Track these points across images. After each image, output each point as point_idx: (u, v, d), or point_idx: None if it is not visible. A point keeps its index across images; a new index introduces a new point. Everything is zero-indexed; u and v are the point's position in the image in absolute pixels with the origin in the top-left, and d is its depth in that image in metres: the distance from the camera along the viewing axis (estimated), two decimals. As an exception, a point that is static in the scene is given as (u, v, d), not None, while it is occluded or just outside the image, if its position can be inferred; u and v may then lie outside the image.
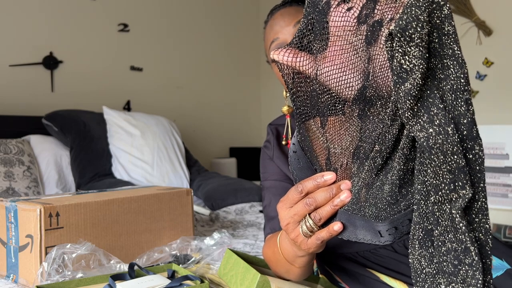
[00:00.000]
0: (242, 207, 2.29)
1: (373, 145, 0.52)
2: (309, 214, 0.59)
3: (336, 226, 0.57)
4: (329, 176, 0.58)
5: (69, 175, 2.49)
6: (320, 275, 1.01)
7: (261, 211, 2.23)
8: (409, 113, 0.44)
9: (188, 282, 0.94)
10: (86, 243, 1.06)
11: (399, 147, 0.49)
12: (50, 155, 2.47)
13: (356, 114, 0.53)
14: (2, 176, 2.15)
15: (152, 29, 3.49)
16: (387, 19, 0.46)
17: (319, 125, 0.57)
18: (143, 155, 2.61)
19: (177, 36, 3.66)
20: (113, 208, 1.21)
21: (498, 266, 0.91)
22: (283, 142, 1.00)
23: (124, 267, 1.05)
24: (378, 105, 0.50)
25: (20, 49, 2.80)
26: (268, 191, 1.00)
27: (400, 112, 0.45)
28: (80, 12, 3.08)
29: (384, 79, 0.48)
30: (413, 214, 0.48)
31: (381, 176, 0.53)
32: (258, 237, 1.66)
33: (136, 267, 1.01)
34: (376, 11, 0.47)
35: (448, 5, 0.43)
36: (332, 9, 0.51)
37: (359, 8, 0.49)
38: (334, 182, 0.58)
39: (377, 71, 0.48)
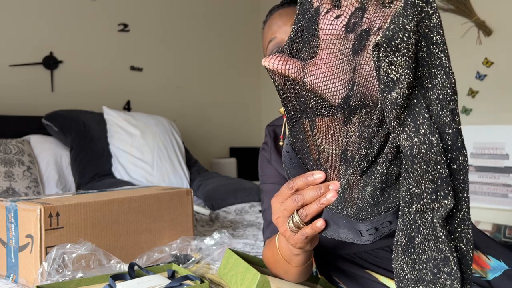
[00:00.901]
0: (242, 207, 2.29)
1: (359, 149, 0.52)
2: (297, 210, 0.61)
3: (319, 223, 0.59)
4: (318, 175, 0.59)
5: (69, 175, 2.49)
6: (320, 276, 1.01)
7: (261, 211, 2.23)
8: (395, 122, 0.44)
9: (188, 282, 0.94)
10: (86, 243, 1.06)
11: (383, 152, 0.49)
12: (50, 155, 2.47)
13: (341, 121, 0.53)
14: (2, 176, 2.15)
15: (152, 29, 3.49)
16: (375, 28, 0.46)
17: (308, 128, 0.58)
18: (143, 155, 2.61)
19: (177, 36, 3.66)
20: (113, 208, 1.21)
21: (496, 267, 0.91)
22: (280, 143, 1.01)
23: (124, 267, 1.05)
24: (364, 112, 0.51)
25: (20, 49, 2.80)
26: (266, 195, 1.00)
27: (386, 120, 0.45)
28: (80, 12, 3.08)
29: (370, 88, 0.48)
30: (398, 220, 0.48)
31: (365, 178, 0.53)
32: (258, 237, 1.66)
33: (136, 267, 1.01)
34: (364, 19, 0.47)
35: (437, 14, 0.43)
36: (321, 16, 0.51)
37: (348, 17, 0.49)
38: (325, 181, 0.59)
39: (362, 81, 0.48)
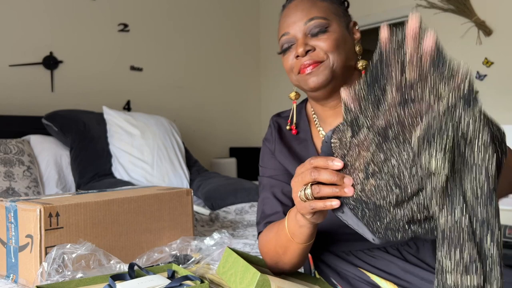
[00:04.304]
0: (242, 207, 2.29)
1: (388, 181, 0.59)
2: (312, 184, 0.68)
3: (334, 202, 0.67)
4: (338, 163, 0.66)
5: (69, 175, 2.49)
6: (318, 276, 1.01)
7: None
8: (433, 204, 0.53)
9: (188, 282, 0.94)
10: (86, 243, 1.06)
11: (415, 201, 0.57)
12: (50, 155, 2.48)
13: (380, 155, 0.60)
14: (2, 176, 2.15)
15: (152, 29, 3.49)
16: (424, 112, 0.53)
17: (348, 144, 0.65)
18: (143, 155, 2.61)
19: (177, 36, 3.66)
20: (113, 208, 1.21)
21: None
22: (287, 127, 1.02)
23: (124, 267, 1.05)
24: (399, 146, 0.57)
25: (20, 49, 2.80)
26: (264, 188, 1.01)
27: (426, 202, 0.54)
28: (80, 12, 3.09)
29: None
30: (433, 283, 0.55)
31: (392, 210, 0.60)
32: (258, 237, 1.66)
33: (136, 267, 1.01)
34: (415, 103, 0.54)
35: (480, 119, 0.51)
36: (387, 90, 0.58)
37: (403, 89, 0.56)
38: (341, 171, 0.66)
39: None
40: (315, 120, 1.00)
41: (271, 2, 4.26)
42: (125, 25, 3.33)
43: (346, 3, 0.99)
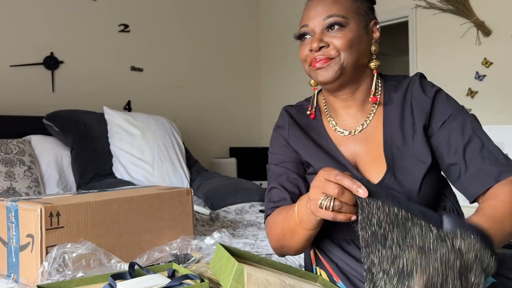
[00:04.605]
0: (242, 207, 2.30)
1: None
2: (335, 198, 0.74)
3: (354, 217, 0.75)
4: (362, 191, 0.72)
5: (69, 175, 2.49)
6: (319, 270, 1.02)
7: (261, 211, 2.23)
8: None
9: (188, 281, 0.95)
10: (87, 243, 1.07)
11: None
12: (51, 155, 2.48)
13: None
14: (3, 176, 2.15)
15: (152, 29, 3.50)
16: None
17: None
18: (144, 155, 2.62)
19: (177, 37, 3.67)
20: (113, 208, 1.21)
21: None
22: (307, 112, 1.06)
23: (125, 267, 1.05)
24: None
25: (21, 49, 2.81)
26: (273, 176, 1.05)
27: None
28: (81, 12, 3.09)
29: None
30: None
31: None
32: (258, 237, 1.66)
33: (136, 267, 1.01)
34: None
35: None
36: None
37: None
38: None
39: None
40: (326, 111, 1.05)
41: (271, 2, 4.26)
42: (126, 26, 3.33)
43: (371, 1, 1.02)
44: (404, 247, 0.65)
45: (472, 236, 0.60)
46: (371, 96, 0.98)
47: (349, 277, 0.93)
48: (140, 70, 3.43)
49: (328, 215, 0.75)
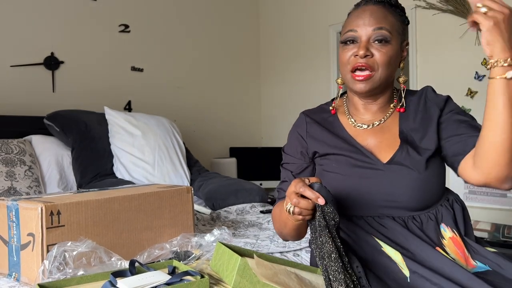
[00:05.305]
0: (243, 207, 2.30)
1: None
2: (295, 206, 0.91)
3: (308, 216, 0.93)
4: (322, 201, 0.87)
5: (70, 175, 2.50)
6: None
7: (261, 212, 2.23)
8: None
9: (188, 277, 0.95)
10: (87, 241, 1.07)
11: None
12: (52, 155, 2.48)
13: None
14: (3, 176, 2.16)
15: (152, 29, 3.50)
16: None
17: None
18: (144, 155, 2.62)
19: (178, 37, 3.67)
20: (114, 206, 1.22)
21: (482, 266, 0.98)
22: (330, 107, 1.18)
23: (125, 264, 1.05)
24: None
25: (21, 49, 2.81)
26: (285, 170, 1.18)
27: None
28: (81, 12, 3.10)
29: None
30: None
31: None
32: (259, 237, 1.66)
33: (136, 264, 1.02)
34: None
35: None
36: None
37: None
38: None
39: None
40: (345, 108, 1.17)
41: (271, 3, 4.27)
42: (126, 26, 3.34)
43: (407, 23, 1.12)
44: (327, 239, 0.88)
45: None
46: (398, 106, 1.11)
47: (362, 245, 1.02)
48: (141, 70, 3.43)
49: (291, 217, 0.96)
